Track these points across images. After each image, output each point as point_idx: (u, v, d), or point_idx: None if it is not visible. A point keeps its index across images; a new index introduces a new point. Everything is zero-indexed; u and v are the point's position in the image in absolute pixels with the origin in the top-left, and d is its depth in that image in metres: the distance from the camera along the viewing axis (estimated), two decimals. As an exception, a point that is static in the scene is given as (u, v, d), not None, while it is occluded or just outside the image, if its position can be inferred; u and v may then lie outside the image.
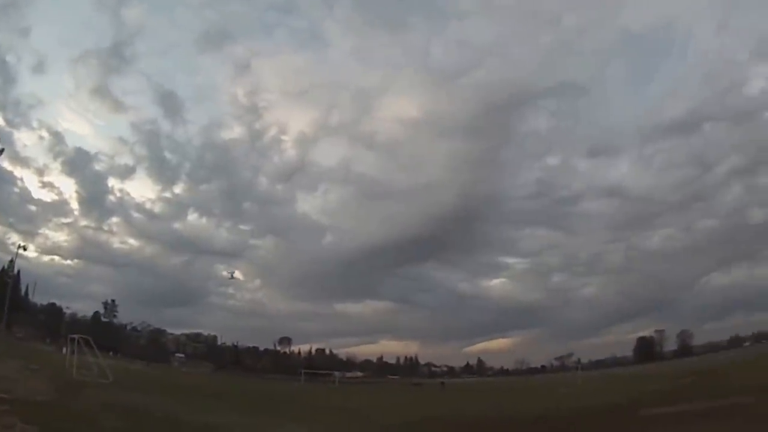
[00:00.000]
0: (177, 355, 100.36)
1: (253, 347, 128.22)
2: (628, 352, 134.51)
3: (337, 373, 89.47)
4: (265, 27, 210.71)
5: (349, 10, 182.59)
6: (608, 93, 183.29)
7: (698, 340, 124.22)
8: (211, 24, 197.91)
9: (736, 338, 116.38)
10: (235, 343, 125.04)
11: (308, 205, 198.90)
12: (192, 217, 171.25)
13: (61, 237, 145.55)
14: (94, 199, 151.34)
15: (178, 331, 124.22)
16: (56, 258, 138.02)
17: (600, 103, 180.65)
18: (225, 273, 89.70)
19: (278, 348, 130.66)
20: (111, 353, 73.75)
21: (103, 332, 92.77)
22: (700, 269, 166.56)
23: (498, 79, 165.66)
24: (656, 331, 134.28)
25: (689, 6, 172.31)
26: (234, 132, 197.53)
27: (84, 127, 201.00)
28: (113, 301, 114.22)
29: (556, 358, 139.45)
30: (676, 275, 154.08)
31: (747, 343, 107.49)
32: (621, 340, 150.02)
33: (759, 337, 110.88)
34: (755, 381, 25.54)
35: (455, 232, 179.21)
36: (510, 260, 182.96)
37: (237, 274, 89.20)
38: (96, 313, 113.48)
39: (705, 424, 13.83)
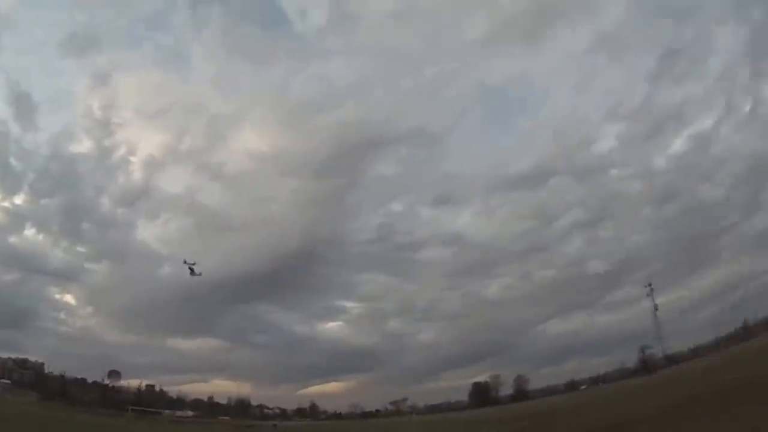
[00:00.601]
0: (2, 380, 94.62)
1: (82, 378, 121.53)
2: (463, 396, 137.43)
3: (166, 412, 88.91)
4: (132, 39, 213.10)
5: (218, 34, 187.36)
6: (460, 143, 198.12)
7: (535, 384, 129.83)
8: (78, 27, 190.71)
9: (572, 382, 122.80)
10: (63, 373, 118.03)
11: (148, 232, 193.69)
12: (29, 232, 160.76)
13: None
14: None
15: (4, 355, 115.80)
16: None
17: (451, 152, 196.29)
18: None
19: (107, 381, 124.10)
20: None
21: None
22: (537, 316, 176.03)
23: (352, 121, 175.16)
24: (491, 375, 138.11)
25: (547, 65, 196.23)
26: (83, 146, 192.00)
27: None
28: None
29: (390, 402, 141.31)
30: (514, 322, 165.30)
31: (583, 387, 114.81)
32: (457, 384, 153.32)
33: (595, 381, 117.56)
34: (589, 423, 27.67)
35: (295, 272, 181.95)
36: (348, 304, 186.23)
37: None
38: None
39: None
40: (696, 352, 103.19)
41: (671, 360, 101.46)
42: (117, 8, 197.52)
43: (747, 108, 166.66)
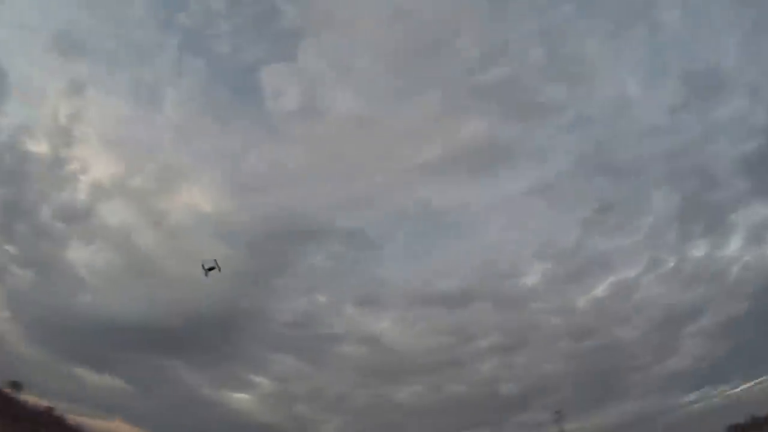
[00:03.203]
0: None
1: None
2: None
3: None
4: (117, 60, 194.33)
5: (195, 86, 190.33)
6: (394, 252, 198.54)
7: None
8: (74, 26, 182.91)
9: None
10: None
11: (78, 255, 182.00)
12: None
13: None
14: None
15: None
16: None
17: (382, 259, 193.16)
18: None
19: (6, 390, 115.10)
20: None
21: None
22: (443, 429, 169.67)
23: (296, 207, 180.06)
24: None
25: (488, 199, 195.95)
26: (40, 147, 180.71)
27: None
28: None
29: None
30: (421, 429, 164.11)
31: None
32: None
33: None
34: None
35: (211, 335, 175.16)
36: (258, 379, 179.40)
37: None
38: None
39: None
40: None
41: None
42: (114, 24, 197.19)
43: (671, 264, 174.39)
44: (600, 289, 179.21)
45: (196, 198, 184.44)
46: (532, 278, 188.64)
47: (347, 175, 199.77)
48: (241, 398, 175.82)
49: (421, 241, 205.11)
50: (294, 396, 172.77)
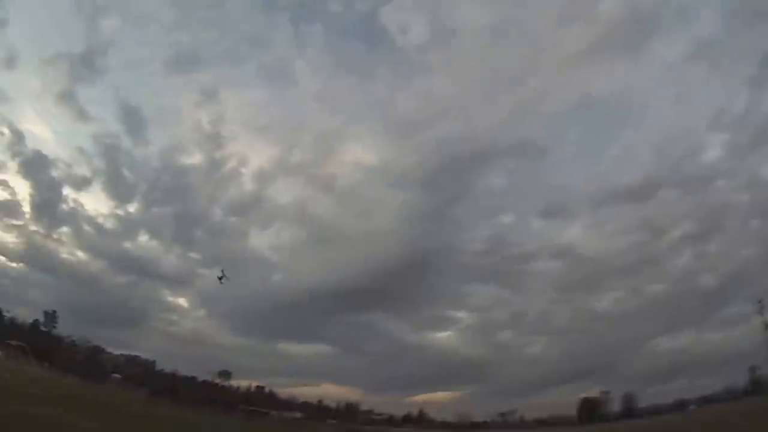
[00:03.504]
0: (114, 375, 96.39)
1: (192, 377, 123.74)
2: (571, 411, 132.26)
3: (275, 413, 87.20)
4: (235, 57, 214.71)
5: (320, 52, 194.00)
6: (565, 155, 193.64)
7: (643, 402, 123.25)
8: (182, 46, 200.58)
9: (680, 401, 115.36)
10: (174, 371, 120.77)
11: (260, 241, 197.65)
12: (143, 238, 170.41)
13: (8, 238, 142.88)
14: (47, 205, 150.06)
15: (116, 351, 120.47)
16: (1, 258, 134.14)
17: (557, 165, 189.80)
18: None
19: (217, 380, 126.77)
20: (46, 364, 71.19)
21: (40, 341, 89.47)
22: (646, 333, 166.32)
23: (459, 135, 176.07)
24: (601, 392, 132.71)
25: (647, 76, 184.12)
26: (194, 158, 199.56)
27: (46, 131, 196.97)
28: (54, 311, 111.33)
29: (498, 414, 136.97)
30: (623, 338, 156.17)
31: (692, 407, 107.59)
32: (565, 399, 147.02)
33: (703, 401, 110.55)
34: None
35: (404, 282, 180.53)
36: (457, 314, 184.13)
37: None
38: (35, 321, 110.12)
39: None
40: None
41: None
42: (220, 28, 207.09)
43: None
44: None
45: (359, 155, 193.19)
46: (711, 153, 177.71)
47: (499, 89, 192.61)
48: (443, 337, 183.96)
49: (592, 138, 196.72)
50: (495, 324, 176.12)
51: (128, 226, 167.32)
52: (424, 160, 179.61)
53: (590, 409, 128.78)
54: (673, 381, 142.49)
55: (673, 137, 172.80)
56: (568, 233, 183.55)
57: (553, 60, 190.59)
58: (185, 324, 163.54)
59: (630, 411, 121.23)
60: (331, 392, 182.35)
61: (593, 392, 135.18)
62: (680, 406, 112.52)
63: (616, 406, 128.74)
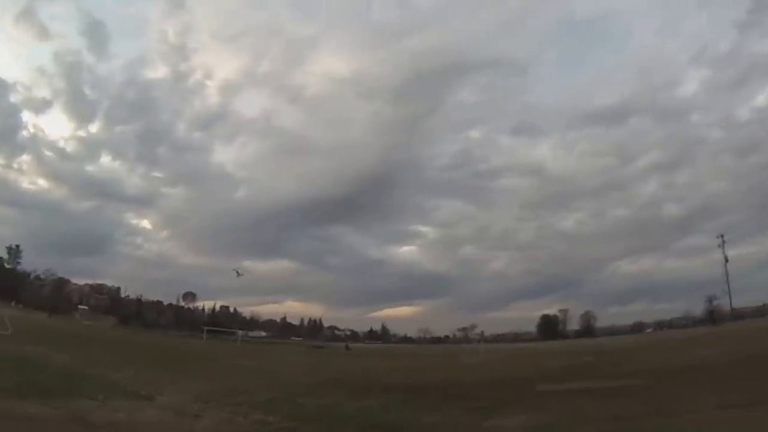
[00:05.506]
0: (80, 306, 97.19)
1: (157, 301, 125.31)
2: (531, 328, 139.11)
3: (240, 332, 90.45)
4: None
5: None
6: (542, 74, 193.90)
7: (601, 323, 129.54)
8: None
9: (638, 324, 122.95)
10: (139, 296, 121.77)
11: (225, 156, 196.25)
12: (105, 159, 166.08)
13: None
14: (6, 132, 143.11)
15: (82, 281, 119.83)
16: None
17: (531, 83, 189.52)
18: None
19: (182, 303, 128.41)
20: (13, 303, 71.57)
21: (5, 279, 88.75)
22: (609, 255, 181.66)
23: (434, 46, 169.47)
24: (560, 310, 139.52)
25: (635, 3, 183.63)
26: (158, 71, 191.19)
27: (4, 53, 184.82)
28: (17, 246, 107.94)
29: (459, 329, 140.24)
30: (586, 258, 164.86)
31: (649, 330, 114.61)
32: (525, 316, 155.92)
33: (660, 325, 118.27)
34: (650, 365, 26.18)
35: (370, 196, 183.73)
36: (422, 229, 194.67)
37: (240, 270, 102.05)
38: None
39: (595, 402, 14.11)
40: (762, 312, 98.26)
41: (737, 315, 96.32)
42: None
43: None
44: (763, 97, 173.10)
45: (330, 65, 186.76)
46: (689, 87, 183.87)
47: (482, 2, 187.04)
48: (407, 251, 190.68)
49: (569, 59, 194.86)
50: (459, 239, 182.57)
51: (90, 148, 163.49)
52: (397, 71, 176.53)
53: (549, 327, 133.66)
54: (632, 304, 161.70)
55: (652, 66, 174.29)
56: (538, 152, 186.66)
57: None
58: (150, 247, 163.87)
59: (588, 330, 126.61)
60: (294, 309, 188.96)
61: (553, 310, 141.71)
62: (638, 328, 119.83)
63: (575, 324, 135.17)
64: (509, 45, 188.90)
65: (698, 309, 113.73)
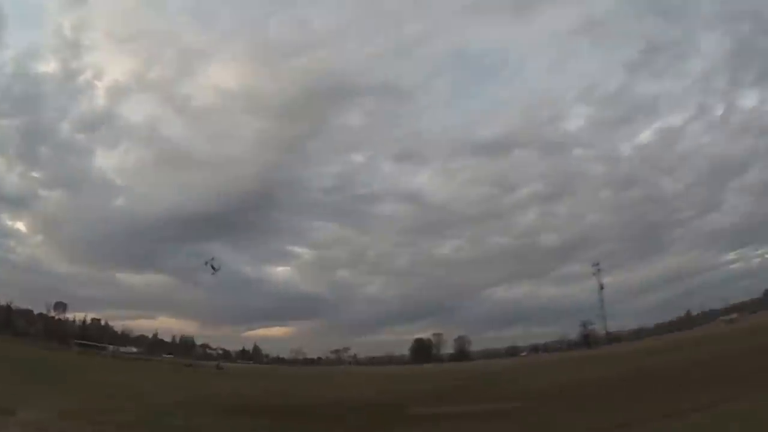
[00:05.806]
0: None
1: (28, 310, 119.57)
2: (405, 351, 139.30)
3: (111, 347, 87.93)
4: None
5: None
6: (429, 103, 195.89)
7: (477, 346, 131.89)
8: None
9: (513, 348, 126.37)
10: (9, 303, 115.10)
11: (106, 161, 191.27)
12: None
13: None
14: None
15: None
16: None
17: (419, 111, 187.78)
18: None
19: (53, 313, 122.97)
20: None
21: None
22: (486, 282, 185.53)
23: (325, 67, 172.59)
24: (434, 333, 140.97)
25: (529, 40, 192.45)
26: (49, 66, 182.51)
27: None
28: None
29: (332, 351, 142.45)
30: (462, 284, 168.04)
31: (524, 353, 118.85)
32: (399, 339, 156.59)
33: (536, 349, 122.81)
34: (527, 386, 27.78)
35: (249, 213, 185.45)
36: (298, 249, 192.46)
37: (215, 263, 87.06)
38: None
39: (469, 425, 14.15)
40: (637, 335, 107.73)
41: (612, 338, 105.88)
42: None
43: (719, 112, 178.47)
44: (645, 135, 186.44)
45: (220, 77, 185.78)
46: (574, 123, 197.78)
47: (374, 28, 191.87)
48: (282, 271, 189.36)
49: (457, 90, 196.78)
50: (335, 262, 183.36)
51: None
52: (285, 88, 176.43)
53: (422, 350, 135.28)
54: (508, 329, 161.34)
55: (540, 101, 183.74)
56: (419, 179, 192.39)
57: (437, 8, 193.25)
58: (22, 251, 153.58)
59: (463, 354, 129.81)
60: (167, 325, 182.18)
61: (427, 334, 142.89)
62: (513, 351, 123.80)
63: (449, 348, 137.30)
64: (399, 71, 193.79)
65: (574, 333, 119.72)
